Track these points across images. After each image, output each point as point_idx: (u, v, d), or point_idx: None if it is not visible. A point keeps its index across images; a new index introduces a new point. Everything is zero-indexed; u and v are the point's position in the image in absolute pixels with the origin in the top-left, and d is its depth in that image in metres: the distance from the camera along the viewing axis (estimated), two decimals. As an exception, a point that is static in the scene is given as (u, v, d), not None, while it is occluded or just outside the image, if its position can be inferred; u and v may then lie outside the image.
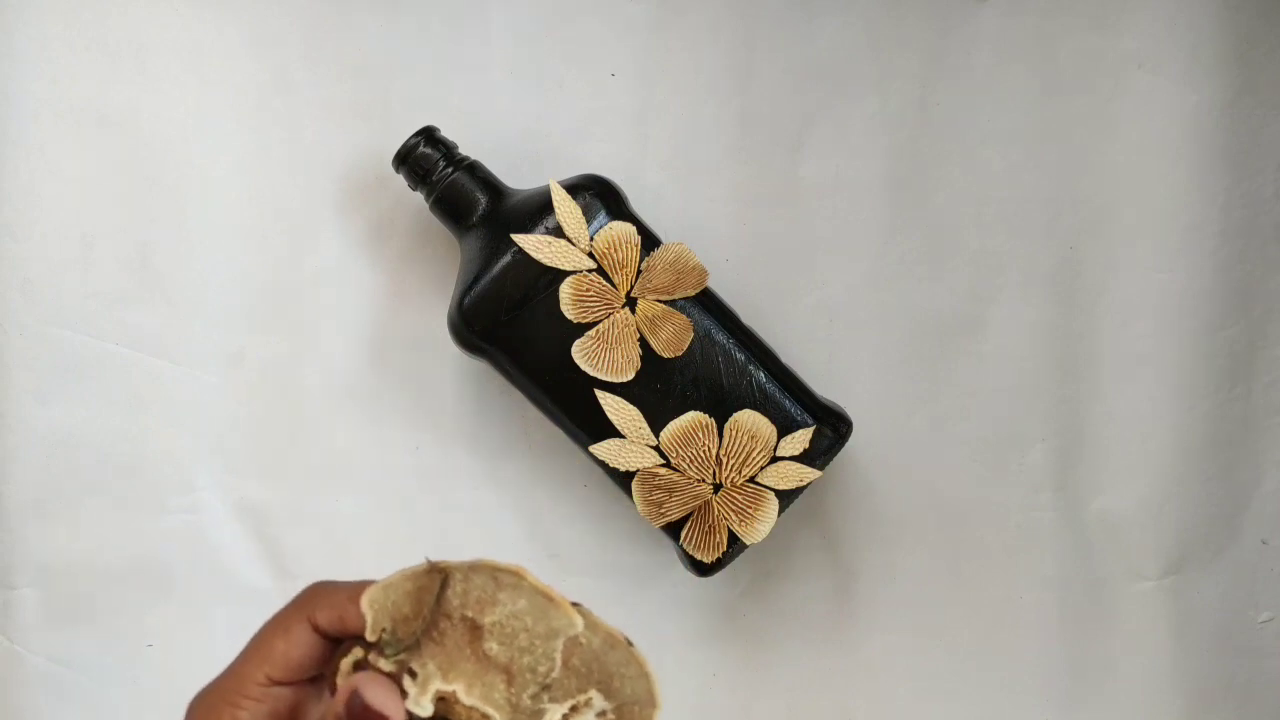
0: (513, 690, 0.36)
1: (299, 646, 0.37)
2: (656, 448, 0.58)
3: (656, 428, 0.58)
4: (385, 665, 0.36)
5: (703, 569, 0.58)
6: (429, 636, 0.36)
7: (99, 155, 0.63)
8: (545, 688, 0.36)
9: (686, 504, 0.58)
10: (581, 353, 0.58)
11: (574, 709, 0.36)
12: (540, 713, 0.36)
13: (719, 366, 0.58)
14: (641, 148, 0.64)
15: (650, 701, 0.36)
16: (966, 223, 0.64)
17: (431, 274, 0.64)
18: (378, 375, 0.64)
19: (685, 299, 0.59)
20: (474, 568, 0.36)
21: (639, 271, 0.58)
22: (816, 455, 0.58)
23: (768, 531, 0.58)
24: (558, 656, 0.36)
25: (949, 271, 0.65)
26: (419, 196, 0.61)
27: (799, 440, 0.58)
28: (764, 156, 0.64)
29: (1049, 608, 0.65)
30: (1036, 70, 0.64)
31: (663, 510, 0.58)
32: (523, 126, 0.64)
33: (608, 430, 0.58)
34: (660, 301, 0.58)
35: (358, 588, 0.37)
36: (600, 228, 0.58)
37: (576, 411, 0.58)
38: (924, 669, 0.65)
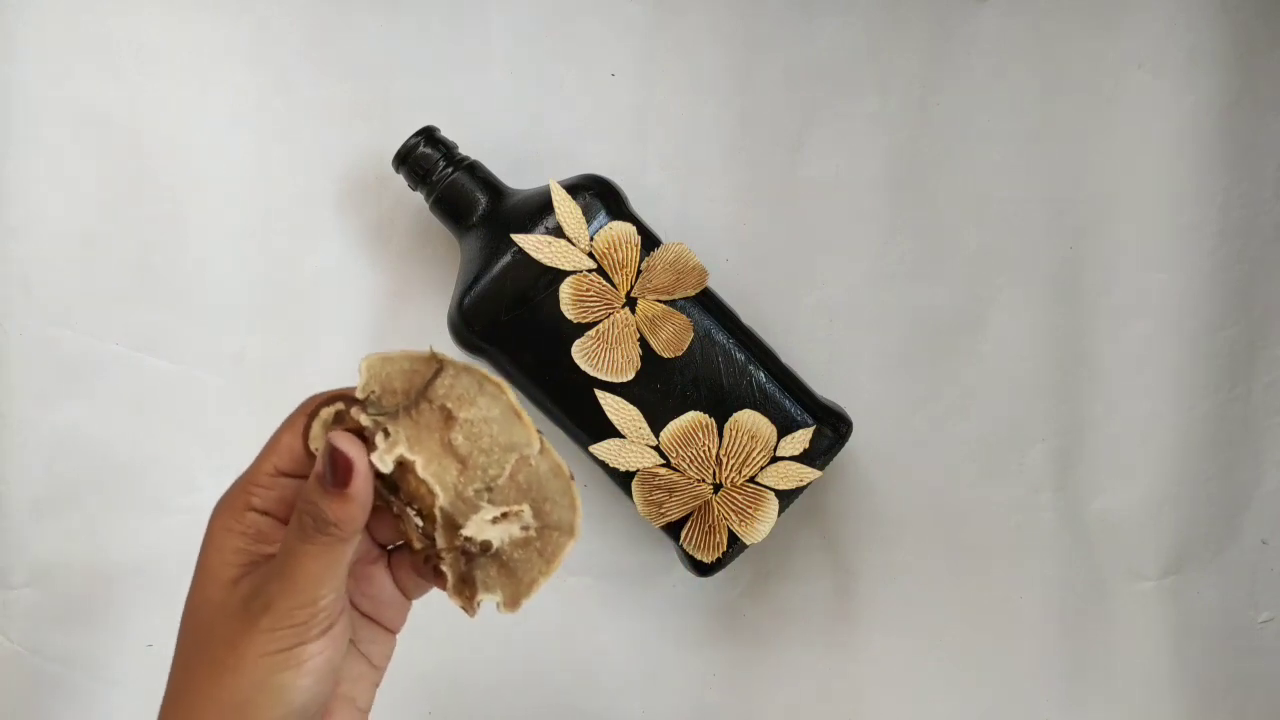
0: (461, 480, 0.40)
1: (300, 438, 0.41)
2: (656, 448, 0.58)
3: (656, 428, 0.58)
4: (364, 421, 0.40)
5: (703, 569, 0.58)
6: (407, 413, 0.40)
7: (99, 155, 0.63)
8: (488, 489, 0.40)
9: (686, 504, 0.58)
10: (581, 353, 0.58)
11: (504, 515, 0.40)
12: (476, 507, 0.40)
13: (719, 366, 0.58)
14: (641, 148, 0.64)
15: (570, 531, 0.40)
16: (966, 223, 0.64)
17: (431, 274, 0.64)
18: (378, 375, 0.64)
19: (685, 299, 0.59)
20: (467, 369, 0.40)
21: (639, 271, 0.58)
22: (816, 455, 0.58)
23: (768, 531, 0.58)
24: (508, 467, 0.40)
25: (949, 271, 0.65)
26: (419, 196, 0.61)
27: (799, 440, 0.58)
28: (764, 156, 0.64)
29: (1049, 608, 0.65)
30: (1036, 70, 0.64)
31: (663, 510, 0.58)
32: (523, 126, 0.64)
33: (608, 430, 0.58)
34: (660, 301, 0.58)
35: (346, 388, 0.42)
36: (600, 228, 0.58)
37: (576, 411, 0.58)
38: (924, 669, 0.65)
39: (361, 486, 0.39)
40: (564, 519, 0.40)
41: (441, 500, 0.40)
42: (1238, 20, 0.63)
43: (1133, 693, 0.65)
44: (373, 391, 0.40)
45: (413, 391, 0.40)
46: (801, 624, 0.65)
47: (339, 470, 0.39)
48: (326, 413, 0.41)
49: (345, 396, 0.41)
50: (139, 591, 0.63)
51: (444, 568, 0.41)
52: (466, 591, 0.41)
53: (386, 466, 0.39)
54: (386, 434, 0.40)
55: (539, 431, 0.40)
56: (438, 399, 0.40)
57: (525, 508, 0.40)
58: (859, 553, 0.65)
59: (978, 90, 0.64)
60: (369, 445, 0.40)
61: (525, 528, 0.40)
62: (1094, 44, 0.64)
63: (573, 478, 0.40)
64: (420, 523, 0.41)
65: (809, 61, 0.64)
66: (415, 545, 0.41)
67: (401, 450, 0.40)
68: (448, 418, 0.40)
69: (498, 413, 0.40)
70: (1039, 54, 0.64)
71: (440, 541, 0.41)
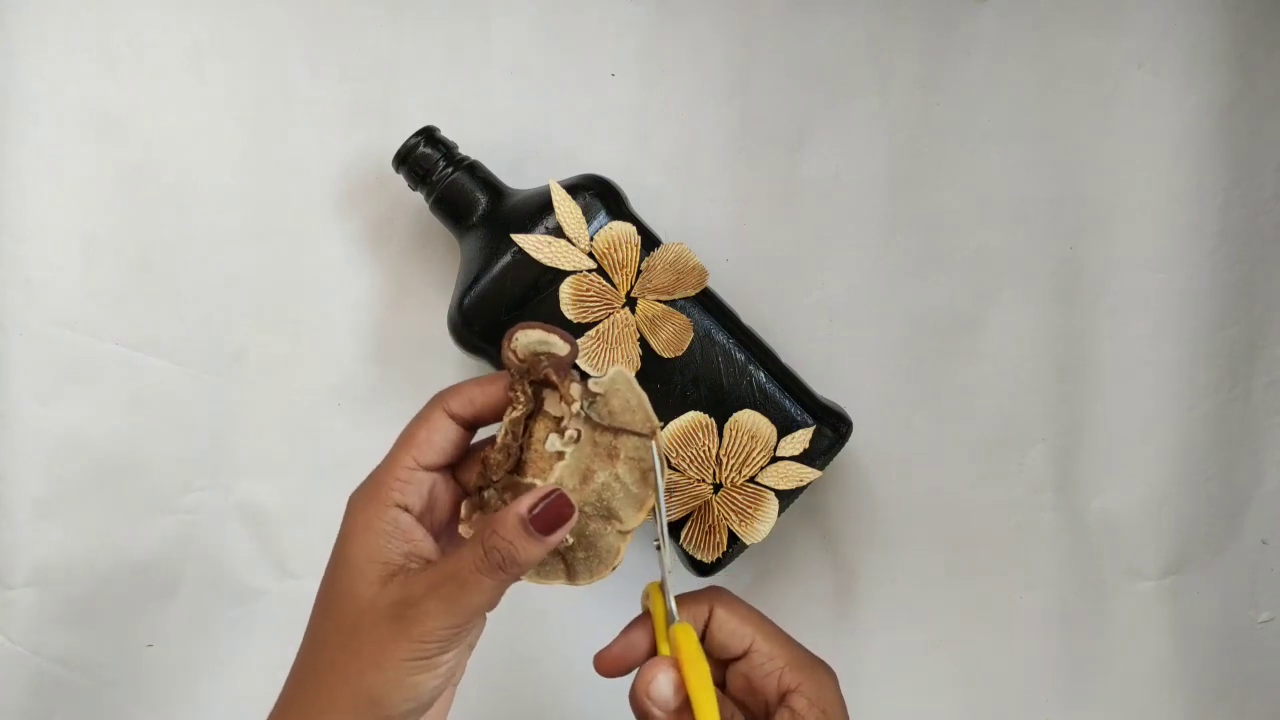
0: (584, 483, 0.46)
1: (438, 431, 0.44)
2: (656, 448, 0.58)
3: (656, 428, 0.58)
4: (574, 408, 0.45)
5: (703, 569, 0.58)
6: (599, 429, 0.45)
7: (99, 155, 0.63)
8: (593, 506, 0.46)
9: (686, 504, 0.58)
10: (581, 353, 0.58)
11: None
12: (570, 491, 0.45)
13: (719, 366, 0.58)
14: (641, 148, 0.64)
15: (562, 577, 0.46)
16: (966, 223, 0.64)
17: (431, 274, 0.64)
18: (378, 375, 0.64)
19: (685, 299, 0.59)
20: (661, 454, 0.46)
21: (639, 271, 0.58)
22: (816, 455, 0.58)
23: (768, 531, 0.58)
24: (595, 521, 0.46)
25: (949, 271, 0.65)
26: (419, 196, 0.61)
27: (799, 440, 0.58)
28: (764, 156, 0.64)
29: (1049, 608, 0.65)
30: (1036, 70, 0.64)
31: (663, 510, 0.58)
32: (523, 126, 0.64)
33: (608, 430, 0.58)
34: (660, 301, 0.58)
35: (481, 379, 0.45)
36: (600, 228, 0.58)
37: (576, 411, 0.58)
38: (924, 669, 0.65)
39: (560, 537, 0.42)
40: (590, 569, 0.46)
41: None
42: (1238, 20, 0.63)
43: (1133, 693, 0.65)
44: (601, 393, 0.45)
45: (616, 421, 0.45)
46: (802, 624, 0.65)
47: (555, 518, 0.42)
48: (543, 341, 0.45)
49: (567, 364, 0.44)
50: (139, 591, 0.63)
51: (486, 494, 0.45)
52: (474, 513, 0.45)
53: (555, 446, 0.45)
54: (578, 434, 0.45)
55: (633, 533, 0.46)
56: (623, 446, 0.46)
57: (571, 543, 0.46)
58: (859, 553, 0.65)
59: (978, 90, 0.64)
60: (538, 407, 0.45)
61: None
62: (1094, 44, 0.64)
63: (615, 569, 0.46)
64: (499, 475, 0.45)
65: (809, 61, 0.64)
66: (479, 480, 0.45)
67: (570, 451, 0.45)
68: (612, 457, 0.46)
69: (635, 492, 0.46)
70: (1039, 54, 0.64)
71: (498, 481, 0.45)
